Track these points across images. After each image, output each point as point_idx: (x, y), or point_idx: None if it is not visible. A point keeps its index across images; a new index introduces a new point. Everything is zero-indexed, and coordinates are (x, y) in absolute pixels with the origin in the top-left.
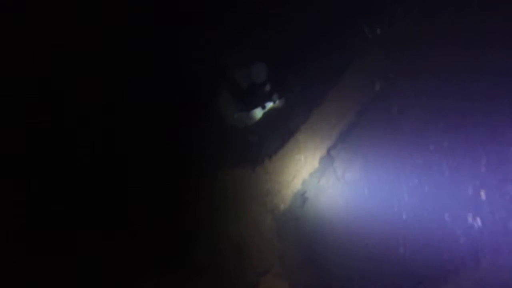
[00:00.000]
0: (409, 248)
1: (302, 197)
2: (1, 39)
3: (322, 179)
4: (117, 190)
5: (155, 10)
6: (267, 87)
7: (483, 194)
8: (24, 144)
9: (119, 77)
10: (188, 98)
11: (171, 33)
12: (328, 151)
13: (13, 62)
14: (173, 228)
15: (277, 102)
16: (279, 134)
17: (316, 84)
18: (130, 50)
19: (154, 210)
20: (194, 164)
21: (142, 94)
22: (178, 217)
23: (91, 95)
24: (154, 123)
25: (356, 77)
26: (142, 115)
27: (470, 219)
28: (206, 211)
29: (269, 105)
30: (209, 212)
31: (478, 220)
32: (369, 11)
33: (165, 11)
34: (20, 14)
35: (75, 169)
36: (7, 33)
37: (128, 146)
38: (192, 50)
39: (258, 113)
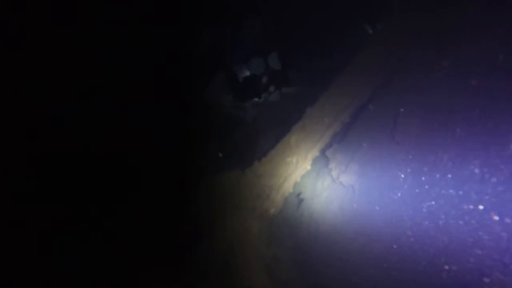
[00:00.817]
0: (410, 254)
1: (297, 198)
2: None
3: (316, 181)
4: (115, 192)
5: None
6: (264, 79)
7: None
8: (23, 145)
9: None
10: (183, 92)
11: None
12: (323, 152)
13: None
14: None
15: (273, 94)
16: (270, 134)
17: (310, 82)
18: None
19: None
20: (190, 163)
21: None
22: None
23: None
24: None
25: (351, 77)
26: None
27: (466, 224)
28: (191, 220)
29: (265, 96)
30: (194, 221)
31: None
32: (370, 7)
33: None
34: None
35: (73, 168)
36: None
37: (124, 145)
38: (192, 41)
39: (253, 106)
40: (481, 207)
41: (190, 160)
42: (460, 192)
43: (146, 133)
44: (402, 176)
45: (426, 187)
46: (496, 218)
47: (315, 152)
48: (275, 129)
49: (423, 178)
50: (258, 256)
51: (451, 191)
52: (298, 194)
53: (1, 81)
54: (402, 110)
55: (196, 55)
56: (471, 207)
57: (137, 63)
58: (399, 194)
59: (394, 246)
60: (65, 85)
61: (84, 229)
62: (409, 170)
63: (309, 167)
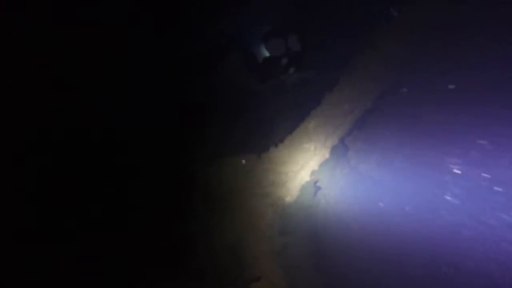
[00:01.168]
0: (430, 252)
1: (314, 186)
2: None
3: (335, 170)
4: (117, 187)
5: None
6: (284, 61)
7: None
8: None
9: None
10: (198, 69)
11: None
12: (342, 139)
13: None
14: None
15: (292, 77)
16: (288, 119)
17: (331, 66)
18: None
19: (152, 205)
20: (194, 147)
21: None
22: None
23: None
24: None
25: (373, 61)
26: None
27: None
28: (202, 204)
29: (284, 79)
30: (205, 205)
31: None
32: None
33: None
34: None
35: (74, 167)
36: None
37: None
38: (209, 20)
39: (270, 88)
40: None
41: (203, 145)
42: None
43: (154, 120)
44: (456, 171)
45: (499, 189)
46: None
47: (334, 139)
48: (293, 114)
49: (486, 175)
50: (270, 244)
51: None
52: (315, 182)
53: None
54: (453, 87)
55: (212, 33)
56: None
57: (150, 44)
58: (447, 197)
59: (418, 244)
60: (64, 84)
61: (84, 229)
62: (460, 161)
63: (328, 155)
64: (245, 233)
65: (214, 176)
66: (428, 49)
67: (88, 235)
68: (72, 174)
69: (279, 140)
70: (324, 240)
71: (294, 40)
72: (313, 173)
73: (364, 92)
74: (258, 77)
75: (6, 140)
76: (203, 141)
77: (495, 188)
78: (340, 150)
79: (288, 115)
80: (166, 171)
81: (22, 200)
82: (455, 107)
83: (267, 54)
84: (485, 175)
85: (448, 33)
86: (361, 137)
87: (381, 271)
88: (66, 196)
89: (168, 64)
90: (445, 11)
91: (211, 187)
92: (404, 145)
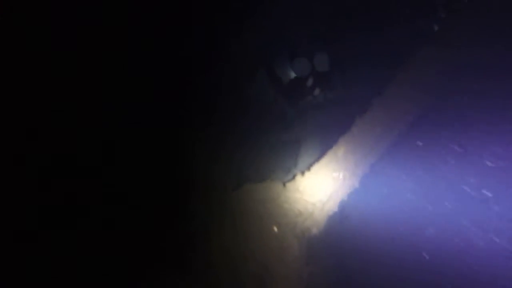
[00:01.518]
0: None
1: (341, 216)
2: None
3: (364, 199)
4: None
5: None
6: (309, 82)
7: None
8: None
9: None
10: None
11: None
12: (372, 166)
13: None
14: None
15: (318, 98)
16: (315, 145)
17: (361, 87)
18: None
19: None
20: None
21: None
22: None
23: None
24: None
25: (408, 81)
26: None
27: None
28: (222, 230)
29: (310, 100)
30: (226, 232)
31: None
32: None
33: None
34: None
35: (76, 166)
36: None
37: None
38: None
39: (296, 111)
40: None
41: (221, 171)
42: None
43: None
44: (495, 208)
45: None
46: None
47: (365, 167)
48: (320, 139)
49: None
50: (296, 276)
51: None
52: (343, 212)
53: (1, 81)
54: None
55: (237, 52)
56: None
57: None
58: (483, 233)
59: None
60: (64, 84)
61: (84, 229)
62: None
63: (357, 185)
64: (271, 264)
65: (236, 202)
66: (467, 68)
67: (88, 235)
68: (72, 174)
69: (306, 167)
70: (351, 274)
71: (321, 59)
72: (341, 203)
73: (398, 115)
74: (282, 98)
75: (6, 140)
76: (220, 169)
77: None
78: (370, 178)
79: (315, 140)
80: (166, 171)
81: (22, 200)
82: (494, 140)
83: (292, 73)
84: None
85: (488, 54)
86: (394, 164)
87: None
88: (66, 196)
89: (168, 64)
90: (490, 31)
91: (233, 212)
92: (441, 174)
